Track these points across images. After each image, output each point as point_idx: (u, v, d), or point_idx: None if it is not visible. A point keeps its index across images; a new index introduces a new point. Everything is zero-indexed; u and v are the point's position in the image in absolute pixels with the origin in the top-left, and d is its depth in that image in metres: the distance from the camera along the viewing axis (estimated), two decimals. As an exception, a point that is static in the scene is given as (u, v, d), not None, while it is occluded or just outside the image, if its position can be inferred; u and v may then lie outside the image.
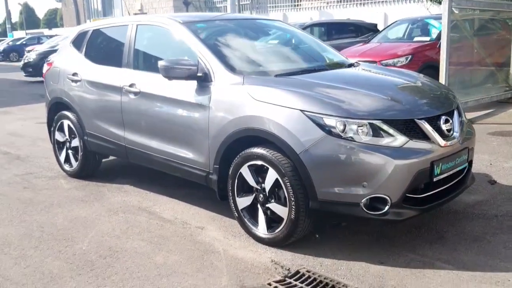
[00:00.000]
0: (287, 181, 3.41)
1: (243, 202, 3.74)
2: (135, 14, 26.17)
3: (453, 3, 7.44)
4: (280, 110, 3.46)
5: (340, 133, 3.25)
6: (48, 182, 5.35)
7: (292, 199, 3.41)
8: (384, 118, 3.32)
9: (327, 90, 3.60)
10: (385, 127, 3.29)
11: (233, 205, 3.82)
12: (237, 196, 3.77)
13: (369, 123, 3.27)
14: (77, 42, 5.48)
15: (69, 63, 5.40)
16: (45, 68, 5.86)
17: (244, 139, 3.65)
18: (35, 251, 3.66)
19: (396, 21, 11.14)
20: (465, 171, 3.87)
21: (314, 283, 3.15)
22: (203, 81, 3.93)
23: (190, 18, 4.53)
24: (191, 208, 4.42)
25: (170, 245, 3.72)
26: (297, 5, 18.63)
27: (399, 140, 3.31)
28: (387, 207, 3.29)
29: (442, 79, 7.34)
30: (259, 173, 3.62)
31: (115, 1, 31.60)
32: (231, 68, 3.91)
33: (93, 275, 3.27)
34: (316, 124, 3.30)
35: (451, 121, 3.59)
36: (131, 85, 4.50)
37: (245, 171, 3.66)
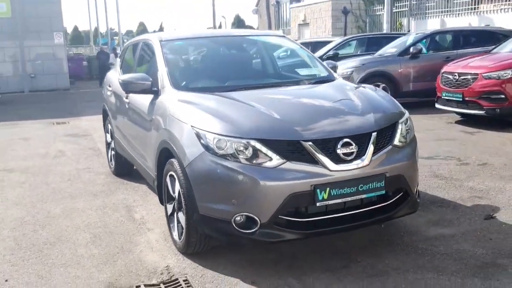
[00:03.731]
0: (182, 192, 3.60)
1: (169, 209, 4.01)
2: (299, 24, 27.10)
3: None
4: (179, 125, 3.67)
5: (216, 150, 3.34)
6: (90, 177, 6.24)
7: (185, 210, 3.59)
8: (262, 138, 3.30)
9: (227, 107, 3.67)
10: (259, 146, 3.27)
11: (165, 210, 4.11)
12: (167, 203, 4.05)
13: (245, 142, 3.29)
14: (121, 56, 6.31)
15: (110, 74, 6.24)
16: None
17: (166, 151, 3.92)
18: (11, 232, 4.44)
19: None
20: (386, 200, 3.54)
21: (176, 291, 3.32)
22: (156, 95, 4.30)
23: (172, 37, 4.93)
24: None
25: (106, 240, 4.18)
26: (454, 10, 17.28)
27: (274, 161, 3.26)
28: (256, 227, 3.27)
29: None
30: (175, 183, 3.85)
31: (288, 13, 33.05)
32: (175, 84, 4.21)
33: (26, 253, 3.91)
34: (198, 139, 3.44)
35: (353, 145, 3.36)
36: (126, 96, 5.08)
37: (167, 181, 3.93)
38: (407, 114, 3.91)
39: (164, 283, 3.43)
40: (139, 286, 3.40)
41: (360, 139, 3.43)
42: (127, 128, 5.20)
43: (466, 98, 8.40)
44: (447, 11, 17.69)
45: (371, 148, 3.42)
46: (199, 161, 3.41)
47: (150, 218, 4.67)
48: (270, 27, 40.24)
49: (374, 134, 3.47)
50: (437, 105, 9.23)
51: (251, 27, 57.30)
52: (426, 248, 3.73)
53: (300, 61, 4.95)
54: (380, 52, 11.52)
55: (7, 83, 18.91)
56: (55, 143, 8.75)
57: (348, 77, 10.72)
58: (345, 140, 3.35)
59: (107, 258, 3.82)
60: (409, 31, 17.51)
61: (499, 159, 6.19)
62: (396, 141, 3.60)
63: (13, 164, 7.13)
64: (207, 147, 3.37)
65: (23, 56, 19.56)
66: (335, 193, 3.30)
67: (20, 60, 19.56)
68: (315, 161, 3.28)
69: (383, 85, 10.68)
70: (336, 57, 12.68)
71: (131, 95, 4.90)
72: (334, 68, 4.97)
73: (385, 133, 3.58)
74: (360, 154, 3.39)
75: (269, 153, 3.26)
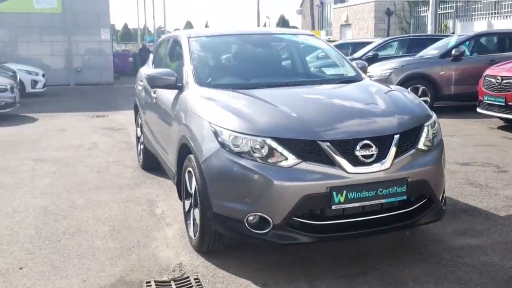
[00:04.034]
0: (198, 188, 3.55)
1: (187, 205, 3.97)
2: (341, 25, 26.73)
3: None
4: (197, 121, 3.62)
5: (232, 147, 3.26)
6: (119, 170, 6.29)
7: (199, 207, 3.54)
8: (278, 136, 3.20)
9: (246, 105, 3.59)
10: (275, 145, 3.17)
11: (183, 206, 4.07)
12: (185, 199, 4.01)
13: (261, 140, 3.20)
14: (154, 52, 6.32)
15: (142, 70, 6.26)
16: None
17: (185, 146, 3.88)
18: (33, 220, 4.50)
19: None
20: (409, 205, 3.38)
21: (185, 288, 3.27)
22: (180, 90, 4.26)
23: (200, 34, 4.89)
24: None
25: (124, 233, 4.17)
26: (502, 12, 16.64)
27: (290, 160, 3.15)
28: (268, 228, 3.18)
29: None
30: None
31: (328, 14, 32.64)
32: (198, 80, 4.16)
33: (44, 242, 3.94)
34: (215, 136, 3.37)
35: (373, 147, 3.21)
36: (154, 91, 5.08)
37: (186, 177, 3.89)
38: (434, 117, 3.73)
39: (175, 281, 3.38)
40: (150, 282, 3.36)
41: (381, 141, 3.28)
42: (153, 123, 5.20)
43: (509, 103, 8.03)
44: (495, 13, 17.08)
45: (392, 151, 3.27)
46: (214, 158, 3.34)
47: (170, 213, 4.64)
48: (313, 28, 39.93)
49: (396, 136, 3.31)
50: (478, 110, 8.86)
51: (295, 28, 57.27)
52: (451, 258, 3.54)
53: (328, 60, 4.82)
54: (421, 53, 11.18)
55: (54, 76, 19.42)
56: (91, 135, 8.89)
57: (386, 79, 10.47)
58: (365, 142, 3.22)
59: (122, 252, 3.81)
60: (453, 33, 16.95)
61: (540, 168, 5.87)
62: (420, 145, 3.44)
63: (46, 154, 7.28)
64: (223, 144, 3.31)
65: (71, 51, 20.07)
66: (352, 197, 3.16)
67: (67, 55, 20.08)
68: (332, 163, 3.16)
69: (423, 87, 10.38)
70: (375, 58, 12.43)
71: (158, 90, 4.88)
72: (363, 68, 4.81)
73: (409, 136, 3.42)
74: (381, 156, 3.25)
75: (285, 152, 3.17)
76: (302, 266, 3.48)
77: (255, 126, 3.29)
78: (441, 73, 10.40)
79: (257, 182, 3.16)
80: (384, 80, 10.48)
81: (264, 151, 3.19)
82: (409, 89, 10.31)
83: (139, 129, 6.39)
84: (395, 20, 22.33)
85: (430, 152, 3.49)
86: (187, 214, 3.94)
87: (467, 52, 10.69)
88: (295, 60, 4.87)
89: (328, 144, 3.17)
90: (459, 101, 10.65)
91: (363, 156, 3.20)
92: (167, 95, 4.52)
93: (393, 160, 3.26)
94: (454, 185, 5.30)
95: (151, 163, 6.10)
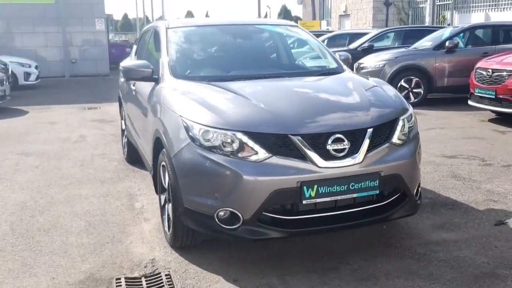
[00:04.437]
0: (170, 183, 3.51)
1: (162, 200, 3.93)
2: (340, 15, 26.56)
3: None
4: (169, 114, 3.57)
5: (202, 142, 3.22)
6: (103, 163, 6.24)
7: (172, 202, 3.50)
8: (248, 130, 3.15)
9: (219, 98, 3.54)
10: (246, 139, 3.13)
11: (159, 201, 4.03)
12: (161, 194, 3.97)
13: (231, 134, 3.16)
14: (136, 43, 6.26)
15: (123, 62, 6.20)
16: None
17: (159, 140, 3.82)
18: (9, 216, 4.46)
19: None
20: (382, 200, 3.34)
21: (155, 285, 3.23)
22: (156, 83, 4.21)
23: (179, 24, 4.81)
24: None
25: (100, 228, 4.14)
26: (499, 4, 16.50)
27: (260, 155, 3.11)
28: (238, 223, 3.14)
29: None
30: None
31: (329, 4, 32.42)
32: (174, 72, 4.10)
33: (17, 239, 3.91)
34: (186, 130, 3.32)
35: (345, 141, 3.16)
36: (133, 84, 5.02)
37: (160, 171, 3.84)
38: (411, 110, 3.68)
39: (146, 277, 3.35)
40: (120, 278, 3.32)
41: (354, 135, 3.23)
42: (133, 116, 5.15)
43: (499, 96, 7.96)
44: (493, 5, 16.94)
45: (365, 145, 3.22)
46: (184, 152, 3.29)
47: (150, 208, 4.60)
48: (314, 18, 39.67)
49: (370, 130, 3.26)
50: (469, 102, 8.80)
51: (298, 18, 56.90)
52: (424, 253, 3.50)
53: (310, 52, 4.75)
54: (416, 45, 11.10)
55: (49, 68, 19.37)
56: (80, 128, 8.85)
57: (380, 70, 10.42)
58: (337, 136, 3.17)
59: (95, 248, 3.77)
60: (449, 24, 16.83)
61: (526, 161, 5.82)
62: (394, 139, 3.39)
63: (32, 147, 7.24)
64: (193, 138, 3.26)
65: (65, 42, 19.97)
66: (323, 191, 3.12)
67: (62, 46, 19.98)
68: (303, 157, 3.11)
69: (416, 79, 10.32)
70: (371, 49, 12.36)
71: (137, 82, 4.82)
72: (346, 60, 4.74)
73: (383, 129, 3.37)
74: (353, 151, 3.20)
75: (256, 146, 3.12)
76: (275, 261, 3.45)
77: (226, 120, 3.24)
78: (434, 65, 10.32)
79: (227, 177, 3.12)
80: (378, 72, 10.44)
81: (235, 145, 3.15)
82: (402, 80, 10.40)
83: (123, 122, 6.34)
84: (394, 11, 22.17)
85: (404, 146, 3.44)
86: (162, 209, 3.90)
87: (461, 44, 10.61)
88: (276, 52, 4.81)
89: (299, 138, 3.12)
90: (453, 93, 10.59)
91: (335, 150, 3.15)
92: (144, 88, 4.46)
93: (366, 154, 3.22)
94: (437, 178, 5.26)
95: (134, 156, 6.04)
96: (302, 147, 3.11)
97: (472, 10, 17.80)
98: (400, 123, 3.46)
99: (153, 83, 4.24)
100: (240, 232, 3.15)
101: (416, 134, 3.65)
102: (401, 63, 10.32)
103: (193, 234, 3.52)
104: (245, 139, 3.13)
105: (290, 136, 3.13)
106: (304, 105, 3.48)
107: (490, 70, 8.21)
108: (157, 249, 3.73)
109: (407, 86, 10.33)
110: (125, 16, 73.02)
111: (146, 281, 3.30)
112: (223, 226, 3.18)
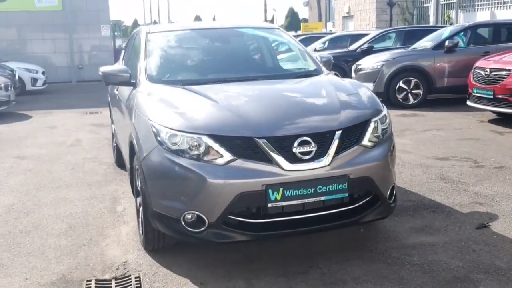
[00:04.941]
0: (140, 187, 3.51)
1: (137, 203, 3.92)
2: (343, 17, 26.47)
3: None
4: (140, 118, 3.58)
5: (169, 145, 3.21)
6: (93, 166, 6.27)
7: (142, 205, 3.50)
8: (213, 134, 3.15)
9: (188, 102, 3.55)
10: (211, 143, 3.12)
11: (135, 204, 4.04)
12: (137, 197, 3.97)
13: (197, 137, 3.15)
14: (125, 47, 6.29)
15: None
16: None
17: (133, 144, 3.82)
18: (-5, 218, 4.51)
19: None
20: (353, 203, 3.31)
21: (124, 287, 3.24)
22: (134, 87, 4.22)
23: (159, 29, 4.83)
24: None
25: (80, 231, 4.15)
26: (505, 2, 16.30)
27: (225, 158, 3.10)
28: (204, 227, 3.13)
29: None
30: (141, 177, 3.76)
31: (332, 5, 32.30)
32: (150, 77, 4.12)
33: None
34: (154, 133, 3.32)
35: (312, 144, 3.14)
36: (117, 88, 5.04)
37: (135, 174, 3.85)
38: (384, 112, 3.64)
39: (116, 279, 3.36)
40: (90, 280, 3.33)
41: (322, 138, 3.20)
42: (116, 120, 5.19)
43: (497, 96, 7.85)
44: (498, 3, 16.75)
45: (333, 147, 3.19)
46: (152, 156, 3.30)
47: (131, 211, 4.60)
48: (320, 20, 39.63)
49: (338, 132, 3.23)
50: (468, 103, 8.68)
51: (306, 20, 56.79)
52: (398, 257, 3.45)
53: (290, 54, 4.74)
54: (415, 45, 11.00)
55: (57, 74, 19.57)
56: (77, 132, 8.91)
57: (378, 71, 10.37)
58: (303, 138, 3.14)
59: (71, 250, 3.79)
60: (451, 23, 16.66)
61: (519, 163, 5.73)
62: (365, 141, 3.35)
63: (28, 151, 7.30)
64: (161, 142, 3.26)
65: (72, 48, 20.18)
66: (289, 194, 3.10)
67: (69, 52, 20.19)
68: (268, 160, 3.10)
69: (415, 80, 10.22)
70: (370, 50, 12.29)
71: (120, 87, 4.85)
72: (328, 62, 4.72)
73: (353, 132, 3.33)
74: (321, 153, 3.17)
75: (221, 150, 3.11)
76: (245, 264, 3.43)
77: (193, 123, 3.24)
78: (433, 65, 10.22)
79: (192, 180, 3.11)
80: (376, 73, 10.38)
81: (202, 149, 3.14)
82: (401, 81, 10.30)
83: (113, 126, 6.37)
84: (398, 11, 22.02)
85: (376, 148, 3.40)
86: (138, 212, 3.91)
87: (461, 44, 10.49)
88: (254, 55, 4.79)
89: (265, 141, 3.10)
90: (453, 94, 10.46)
91: (301, 153, 3.13)
92: (125, 92, 4.48)
93: (334, 156, 3.19)
94: (425, 180, 5.20)
95: (122, 160, 6.08)
96: (268, 150, 3.09)
97: (477, 8, 17.62)
98: (372, 125, 3.42)
99: (132, 87, 4.25)
100: (206, 235, 3.14)
101: (390, 136, 3.61)
102: (399, 64, 10.23)
103: (164, 237, 3.52)
104: (210, 142, 3.12)
105: (255, 139, 3.11)
106: (272, 108, 3.46)
107: (488, 70, 8.10)
108: (131, 252, 3.73)
109: (406, 88, 10.23)
110: (135, 22, 73.72)
111: (116, 283, 3.31)
112: (190, 229, 3.17)
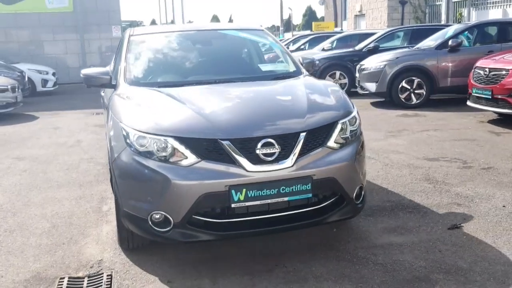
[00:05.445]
0: (113, 187, 3.62)
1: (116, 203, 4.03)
2: (355, 15, 26.34)
3: None
4: (113, 120, 3.68)
5: (137, 147, 3.31)
6: (88, 167, 6.41)
7: (116, 205, 3.61)
8: (178, 135, 3.23)
9: (157, 104, 3.65)
10: (176, 145, 3.20)
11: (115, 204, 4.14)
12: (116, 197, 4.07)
13: (163, 139, 3.24)
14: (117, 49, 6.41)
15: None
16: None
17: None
18: (-16, 217, 4.66)
19: None
20: (319, 203, 3.36)
21: (95, 285, 3.34)
22: (114, 89, 4.32)
23: (142, 31, 4.94)
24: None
25: (62, 230, 4.27)
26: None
27: (190, 159, 3.18)
28: (169, 226, 3.22)
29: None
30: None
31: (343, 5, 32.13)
32: (128, 79, 4.23)
33: (-20, 242, 4.09)
34: (124, 136, 3.42)
35: (275, 146, 3.20)
36: (103, 90, 5.15)
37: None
38: (354, 113, 3.67)
39: (89, 277, 3.46)
40: (63, 278, 3.44)
41: (286, 140, 3.26)
42: (104, 122, 5.28)
43: (496, 96, 7.79)
44: (511, 0, 16.51)
45: (297, 149, 3.25)
46: (122, 157, 3.40)
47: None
48: (336, 18, 39.56)
49: (302, 134, 3.29)
50: (468, 103, 8.62)
51: (322, 19, 56.72)
52: (364, 256, 3.50)
53: (271, 56, 4.80)
54: (419, 45, 10.95)
55: (69, 75, 19.86)
56: (80, 133, 9.08)
57: (380, 71, 10.35)
58: (267, 140, 3.20)
59: (50, 248, 3.91)
60: (459, 22, 16.48)
61: (509, 164, 5.69)
62: (330, 142, 3.40)
63: (28, 152, 7.49)
64: (129, 144, 3.35)
65: (83, 49, 20.48)
66: (252, 195, 3.17)
67: (80, 53, 20.50)
68: (232, 161, 3.17)
69: (418, 80, 10.18)
70: (376, 50, 12.24)
71: (106, 89, 4.96)
72: (310, 63, 4.78)
73: (318, 133, 3.38)
74: (285, 155, 3.23)
75: (186, 151, 3.19)
76: (214, 263, 3.52)
77: (159, 125, 3.32)
78: (437, 64, 10.16)
79: (157, 181, 3.20)
80: (379, 73, 10.36)
81: (168, 150, 3.23)
82: (403, 81, 10.28)
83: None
84: (410, 10, 21.84)
85: (342, 149, 3.45)
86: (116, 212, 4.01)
87: (466, 43, 10.41)
88: (235, 56, 4.85)
89: (228, 142, 3.17)
90: (456, 94, 10.39)
91: (264, 154, 3.19)
92: (107, 94, 4.59)
93: (298, 158, 3.24)
94: (409, 181, 5.21)
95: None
96: (231, 152, 3.16)
97: (490, 6, 17.40)
98: (339, 126, 3.47)
99: (113, 89, 4.36)
100: (172, 234, 3.23)
101: (358, 137, 3.64)
102: (401, 64, 10.20)
103: (135, 236, 3.62)
104: (176, 144, 3.21)
105: (219, 140, 3.19)
106: (239, 110, 3.53)
107: (487, 69, 8.04)
108: (108, 251, 3.84)
109: (408, 87, 10.20)
110: (153, 22, 74.37)
111: (88, 281, 3.41)
112: (156, 229, 3.26)
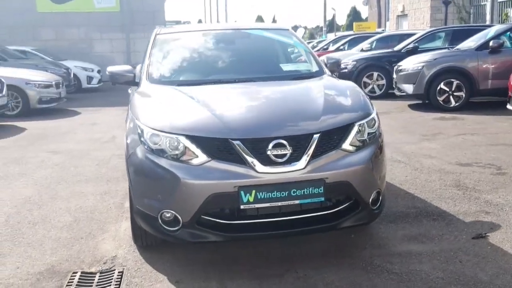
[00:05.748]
0: (129, 184, 3.64)
1: (133, 200, 4.06)
2: (398, 16, 25.77)
3: None
4: (131, 117, 3.71)
5: (150, 145, 3.31)
6: (118, 163, 6.48)
7: (130, 202, 3.63)
8: (189, 134, 3.21)
9: (173, 103, 3.65)
10: (188, 143, 3.19)
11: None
12: (133, 193, 4.10)
13: (175, 138, 3.23)
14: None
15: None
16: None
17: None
18: (10, 209, 4.78)
19: None
20: (333, 207, 3.27)
21: (106, 281, 3.36)
22: (137, 87, 4.36)
23: (169, 30, 4.96)
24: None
25: (83, 224, 4.34)
26: None
27: (200, 158, 3.16)
28: (178, 226, 3.21)
29: None
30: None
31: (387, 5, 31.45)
32: (150, 77, 4.25)
33: (6, 230, 4.19)
34: (138, 133, 3.43)
35: (287, 147, 3.13)
36: (129, 87, 5.20)
37: (129, 172, 3.98)
38: (372, 115, 3.56)
39: (101, 273, 3.49)
40: (76, 272, 3.49)
41: (298, 141, 3.19)
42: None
43: (538, 99, 7.45)
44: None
45: (310, 151, 3.17)
46: (136, 155, 3.41)
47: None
48: (379, 19, 38.88)
49: (316, 135, 3.20)
50: (508, 106, 8.28)
51: (367, 19, 55.94)
52: (379, 264, 3.38)
53: (294, 56, 4.73)
54: (459, 46, 10.59)
55: (113, 72, 20.33)
56: (116, 129, 9.24)
57: (418, 72, 10.08)
58: (278, 141, 3.14)
59: (68, 242, 3.97)
60: (503, 22, 15.82)
61: (547, 171, 5.42)
62: (345, 145, 3.30)
63: (63, 146, 7.68)
64: (143, 142, 3.36)
65: (129, 48, 20.96)
66: (262, 197, 3.11)
67: (126, 51, 20.97)
68: (242, 161, 3.12)
69: (457, 82, 9.84)
70: (415, 51, 11.93)
71: (132, 86, 5.01)
72: (335, 63, 4.68)
73: (333, 135, 3.29)
74: (297, 157, 3.16)
75: (197, 150, 3.17)
76: (224, 265, 3.48)
77: (172, 124, 3.32)
78: (477, 66, 9.79)
79: (168, 180, 3.19)
80: (416, 74, 10.09)
81: (180, 149, 3.21)
82: (442, 83, 9.95)
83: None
84: (453, 10, 21.17)
85: (358, 152, 3.34)
86: (133, 209, 4.04)
87: (508, 44, 9.99)
88: (255, 56, 4.79)
89: (239, 142, 3.13)
90: (497, 96, 9.98)
91: (275, 155, 3.13)
92: (133, 92, 4.63)
93: (311, 160, 3.16)
94: (438, 187, 5.02)
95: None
96: (241, 152, 3.12)
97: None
98: (355, 128, 3.37)
99: (136, 87, 4.40)
100: (181, 234, 3.21)
101: (375, 140, 3.52)
102: (440, 65, 9.88)
103: (148, 233, 3.62)
104: (187, 143, 3.19)
105: (230, 140, 3.15)
106: (252, 110, 3.48)
107: (529, 72, 7.70)
108: (123, 247, 3.86)
109: (447, 90, 9.87)
110: (199, 22, 75.57)
111: (99, 276, 3.44)
112: (166, 227, 3.25)
